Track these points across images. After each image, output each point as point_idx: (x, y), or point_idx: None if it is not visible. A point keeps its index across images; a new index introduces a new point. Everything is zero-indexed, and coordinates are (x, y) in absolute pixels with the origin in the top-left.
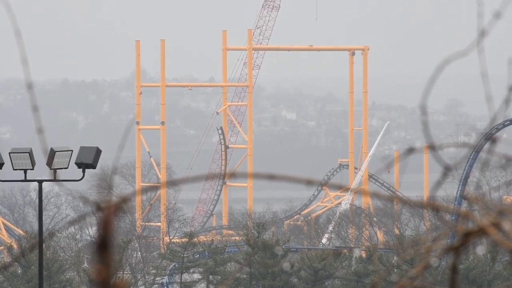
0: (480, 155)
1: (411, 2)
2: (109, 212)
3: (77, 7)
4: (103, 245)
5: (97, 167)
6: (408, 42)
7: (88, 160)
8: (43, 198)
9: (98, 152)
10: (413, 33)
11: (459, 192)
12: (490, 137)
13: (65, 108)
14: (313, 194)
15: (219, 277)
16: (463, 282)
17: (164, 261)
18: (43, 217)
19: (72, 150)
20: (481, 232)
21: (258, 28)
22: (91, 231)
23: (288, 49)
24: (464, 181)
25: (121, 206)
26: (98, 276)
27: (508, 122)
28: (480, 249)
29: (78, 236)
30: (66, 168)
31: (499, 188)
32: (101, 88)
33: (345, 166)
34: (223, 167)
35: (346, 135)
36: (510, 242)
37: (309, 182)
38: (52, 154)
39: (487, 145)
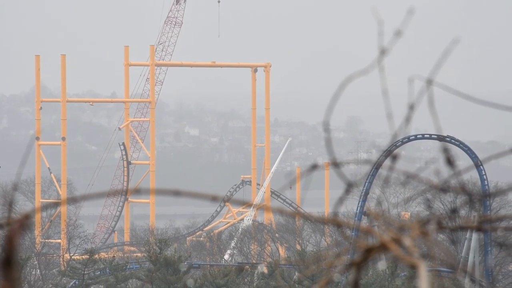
0: (380, 171)
1: (313, 20)
2: (13, 229)
3: None
4: (8, 262)
5: None
6: (309, 60)
7: None
8: None
9: None
10: (315, 51)
11: (359, 208)
12: (390, 154)
13: None
14: (216, 210)
15: None
16: None
17: (64, 278)
18: None
19: None
20: (381, 247)
21: (160, 44)
22: None
23: (191, 65)
24: (364, 197)
25: (25, 223)
26: None
27: (407, 139)
28: (380, 264)
29: None
30: None
31: (398, 204)
32: (0, 103)
33: (248, 182)
34: (125, 183)
35: (249, 152)
36: (410, 257)
37: (213, 198)
38: None
39: (387, 162)
